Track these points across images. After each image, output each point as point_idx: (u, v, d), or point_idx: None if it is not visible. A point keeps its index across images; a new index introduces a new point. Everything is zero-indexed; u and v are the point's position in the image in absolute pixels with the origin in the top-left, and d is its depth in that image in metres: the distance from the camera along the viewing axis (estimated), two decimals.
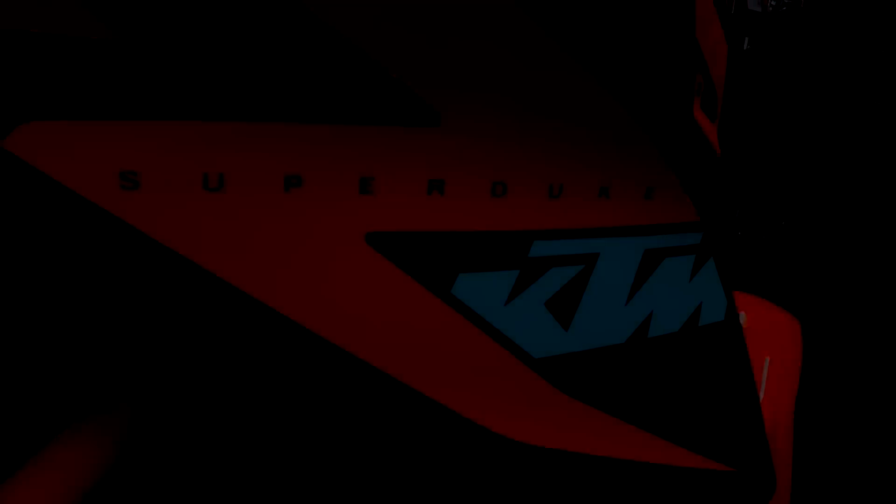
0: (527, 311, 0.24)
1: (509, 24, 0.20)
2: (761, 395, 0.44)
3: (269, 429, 0.27)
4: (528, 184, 0.23)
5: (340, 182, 0.21)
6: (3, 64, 0.17)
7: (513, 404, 0.24)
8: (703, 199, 0.27)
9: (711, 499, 0.30)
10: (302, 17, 0.18)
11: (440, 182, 0.22)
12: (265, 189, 0.20)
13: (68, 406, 0.26)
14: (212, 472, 0.28)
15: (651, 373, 0.27)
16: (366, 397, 0.23)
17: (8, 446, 0.26)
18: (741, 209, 1.41)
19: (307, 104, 0.20)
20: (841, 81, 1.38)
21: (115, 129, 0.18)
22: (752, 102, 1.44)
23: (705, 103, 0.30)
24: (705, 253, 0.28)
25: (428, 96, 0.20)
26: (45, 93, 0.17)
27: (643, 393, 0.27)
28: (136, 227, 0.19)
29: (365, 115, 0.20)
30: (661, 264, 0.26)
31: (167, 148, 0.19)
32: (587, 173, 0.24)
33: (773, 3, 1.42)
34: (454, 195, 0.22)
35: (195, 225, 0.19)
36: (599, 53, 0.22)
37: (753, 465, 0.31)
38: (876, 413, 0.88)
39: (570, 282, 0.24)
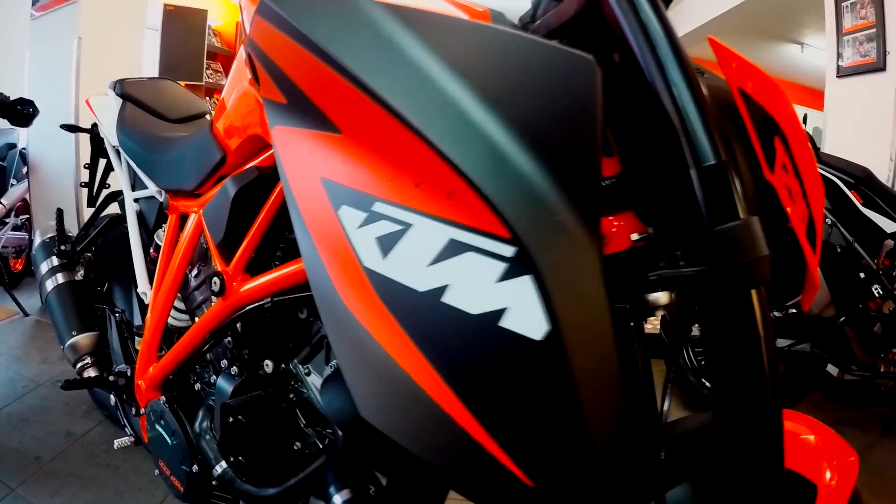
0: (364, 237, 0.39)
1: None
2: None
3: None
4: (380, 171, 0.41)
5: None
6: None
7: (352, 288, 0.39)
8: (520, 222, 0.34)
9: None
10: None
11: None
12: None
13: None
14: None
15: (440, 326, 0.36)
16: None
17: None
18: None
19: None
20: None
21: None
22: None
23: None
24: (519, 268, 0.34)
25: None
26: None
27: (435, 336, 0.37)
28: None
29: None
30: (463, 254, 0.36)
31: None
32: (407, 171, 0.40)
33: None
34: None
35: None
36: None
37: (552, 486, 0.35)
38: None
39: (391, 233, 0.38)
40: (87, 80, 2.42)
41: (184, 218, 0.98)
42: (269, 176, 0.71)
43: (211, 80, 4.07)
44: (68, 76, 2.41)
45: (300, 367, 0.75)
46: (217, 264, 0.77)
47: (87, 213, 1.61)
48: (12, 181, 2.72)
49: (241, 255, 0.73)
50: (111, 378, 1.10)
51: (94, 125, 1.53)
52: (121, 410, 1.12)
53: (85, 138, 2.41)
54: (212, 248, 0.78)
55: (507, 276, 0.34)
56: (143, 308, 1.15)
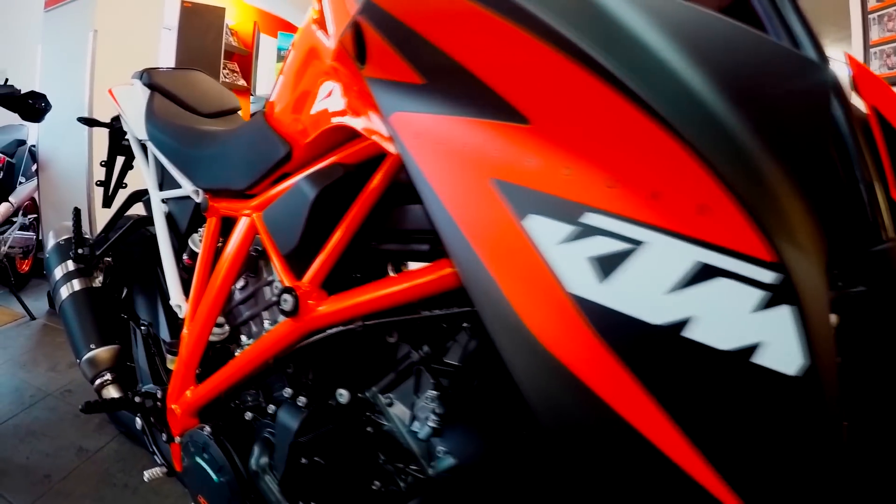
0: (570, 256, 0.32)
1: None
2: None
3: None
4: (594, 175, 0.33)
5: None
6: None
7: (547, 317, 0.32)
8: (790, 245, 0.30)
9: None
10: None
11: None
12: None
13: None
14: None
15: (682, 367, 0.30)
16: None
17: None
18: None
19: None
20: None
21: None
22: None
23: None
24: (780, 296, 0.29)
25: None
26: None
27: (669, 377, 0.30)
28: None
29: None
30: (712, 280, 0.30)
31: None
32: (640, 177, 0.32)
33: None
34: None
35: None
36: None
37: None
38: None
39: (613, 252, 0.31)
40: (102, 74, 2.32)
41: (226, 221, 0.87)
42: (356, 175, 0.61)
43: (227, 80, 3.97)
44: (83, 70, 2.31)
45: (380, 396, 0.64)
46: (284, 278, 0.66)
47: (102, 213, 1.51)
48: (21, 179, 2.62)
49: (319, 268, 0.63)
50: (137, 399, 0.99)
51: (114, 119, 1.43)
52: (149, 436, 1.01)
53: (99, 135, 2.34)
54: (276, 259, 0.68)
55: (764, 305, 0.29)
56: (173, 321, 1.04)
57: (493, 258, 0.35)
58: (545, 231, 0.33)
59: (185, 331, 0.87)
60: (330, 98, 0.61)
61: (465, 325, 0.57)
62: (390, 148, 0.51)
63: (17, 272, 2.75)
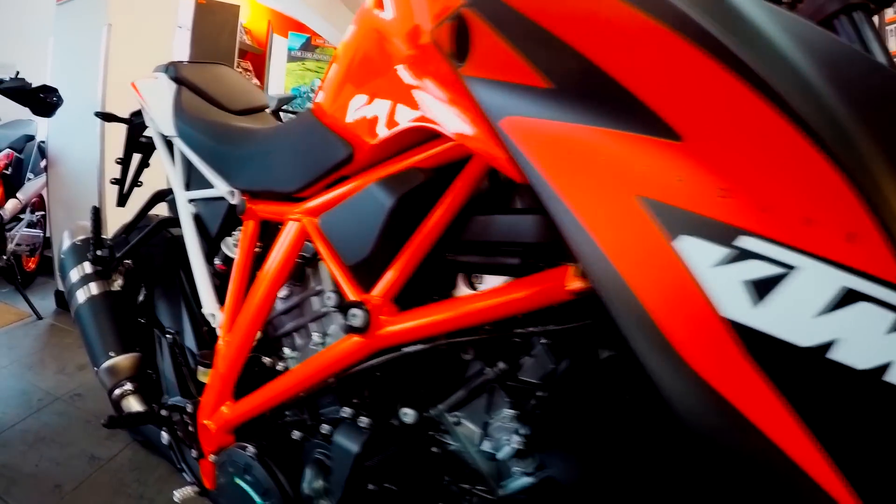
0: (724, 279, 0.32)
1: None
2: None
3: None
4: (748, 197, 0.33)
5: None
6: None
7: (697, 339, 0.33)
8: None
9: None
10: None
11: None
12: None
13: None
14: None
15: (826, 388, 0.31)
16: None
17: None
18: None
19: None
20: None
21: None
22: None
23: None
24: None
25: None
26: None
27: (815, 398, 0.31)
28: None
29: None
30: (855, 304, 0.30)
31: None
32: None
33: None
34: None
35: None
36: None
37: None
38: None
39: (766, 276, 0.31)
40: (115, 69, 2.27)
41: (266, 225, 0.82)
42: (435, 180, 0.56)
43: None
44: (96, 65, 2.25)
45: (447, 415, 0.60)
46: (348, 291, 0.61)
47: (116, 213, 1.45)
48: (29, 175, 2.56)
49: (394, 281, 0.58)
50: (164, 413, 0.93)
51: (134, 114, 1.37)
52: (176, 451, 0.95)
53: (112, 132, 2.29)
54: (337, 270, 0.62)
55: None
56: (199, 330, 0.99)
57: (637, 277, 0.34)
58: (699, 253, 0.33)
59: (220, 342, 0.81)
60: (405, 96, 0.56)
61: (543, 341, 0.54)
62: (497, 154, 0.46)
63: (23, 270, 2.69)
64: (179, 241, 1.20)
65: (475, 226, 0.56)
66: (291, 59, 5.21)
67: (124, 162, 1.50)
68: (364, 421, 0.64)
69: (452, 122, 0.50)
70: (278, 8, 4.32)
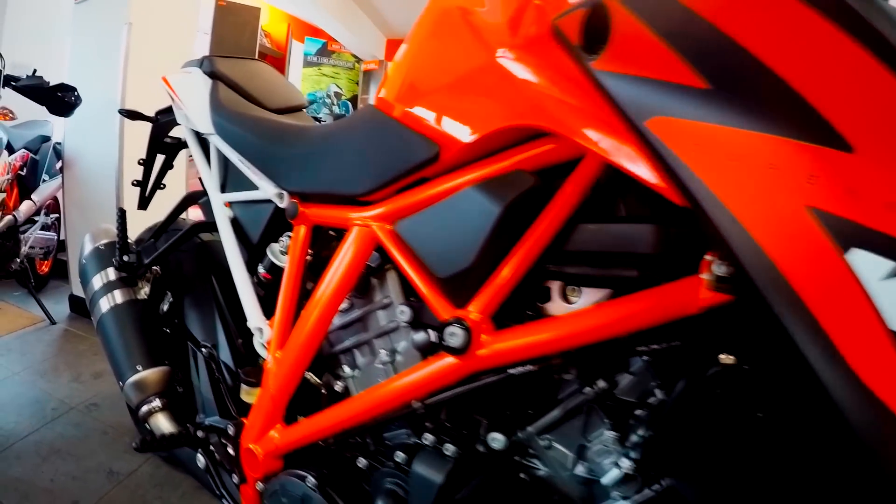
0: (892, 293, 0.32)
1: None
2: None
3: None
4: None
5: None
6: None
7: (867, 353, 0.33)
8: None
9: None
10: None
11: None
12: None
13: None
14: None
15: None
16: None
17: None
18: None
19: None
20: None
21: None
22: None
23: None
24: None
25: None
26: None
27: None
28: None
29: None
30: None
31: None
32: None
33: None
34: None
35: None
36: None
37: None
38: None
39: None
40: (136, 69, 2.21)
41: (318, 231, 0.75)
42: (541, 185, 0.51)
43: None
44: (115, 64, 2.20)
45: (537, 438, 0.56)
46: (438, 307, 0.55)
47: (137, 216, 1.38)
48: (44, 177, 2.50)
49: (494, 295, 0.52)
50: (200, 434, 0.85)
51: (159, 113, 1.31)
52: (215, 476, 0.88)
53: (132, 133, 2.23)
54: (422, 282, 0.56)
55: None
56: (234, 343, 0.92)
57: (808, 289, 0.34)
58: (869, 266, 0.33)
59: (269, 359, 0.74)
60: (506, 88, 0.50)
61: (644, 357, 0.50)
62: (627, 156, 0.42)
63: (36, 273, 2.63)
64: (211, 246, 1.13)
65: (581, 234, 0.51)
66: (307, 63, 5.19)
67: (147, 163, 1.44)
68: (450, 449, 0.58)
69: (572, 120, 0.45)
70: (298, 14, 4.29)
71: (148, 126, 1.34)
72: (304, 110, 1.18)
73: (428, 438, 0.60)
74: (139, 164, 1.44)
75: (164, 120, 1.31)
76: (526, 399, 0.57)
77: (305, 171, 0.74)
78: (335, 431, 0.65)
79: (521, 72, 0.48)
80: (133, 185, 1.50)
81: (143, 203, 1.52)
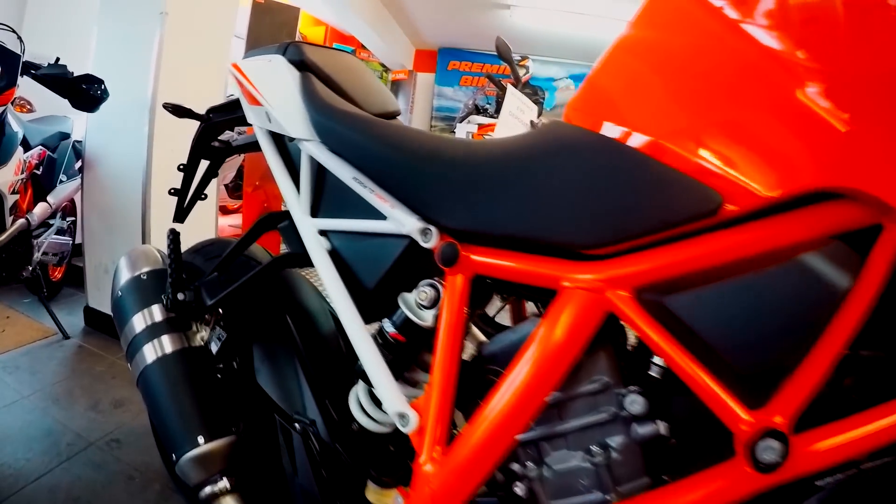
0: None
1: None
2: None
3: None
4: None
5: None
6: None
7: None
8: None
9: None
10: None
11: None
12: None
13: None
14: None
15: None
16: None
17: None
18: None
19: None
20: None
21: None
22: None
23: None
24: None
25: None
26: None
27: None
28: None
29: None
30: None
31: None
32: None
33: None
34: None
35: None
36: None
37: None
38: None
39: None
40: (169, 63, 2.02)
41: (482, 285, 0.55)
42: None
43: None
44: (147, 58, 2.00)
45: None
46: (737, 409, 0.43)
47: (163, 229, 1.17)
48: (62, 177, 2.30)
49: (803, 395, 0.42)
50: None
51: (212, 111, 1.10)
52: None
53: (163, 132, 2.03)
54: (704, 376, 0.42)
55: None
56: (328, 413, 0.71)
57: None
58: None
59: (424, 459, 0.53)
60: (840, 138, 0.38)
61: None
62: None
63: (48, 280, 2.42)
64: (286, 281, 0.93)
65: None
66: None
67: (188, 169, 1.25)
68: None
69: None
70: (331, 21, 4.11)
71: (186, 127, 1.14)
72: (399, 117, 0.97)
73: None
74: (179, 169, 1.24)
75: (218, 119, 1.11)
76: None
77: (477, 204, 0.54)
78: None
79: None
80: (170, 193, 1.30)
81: (181, 215, 1.32)
